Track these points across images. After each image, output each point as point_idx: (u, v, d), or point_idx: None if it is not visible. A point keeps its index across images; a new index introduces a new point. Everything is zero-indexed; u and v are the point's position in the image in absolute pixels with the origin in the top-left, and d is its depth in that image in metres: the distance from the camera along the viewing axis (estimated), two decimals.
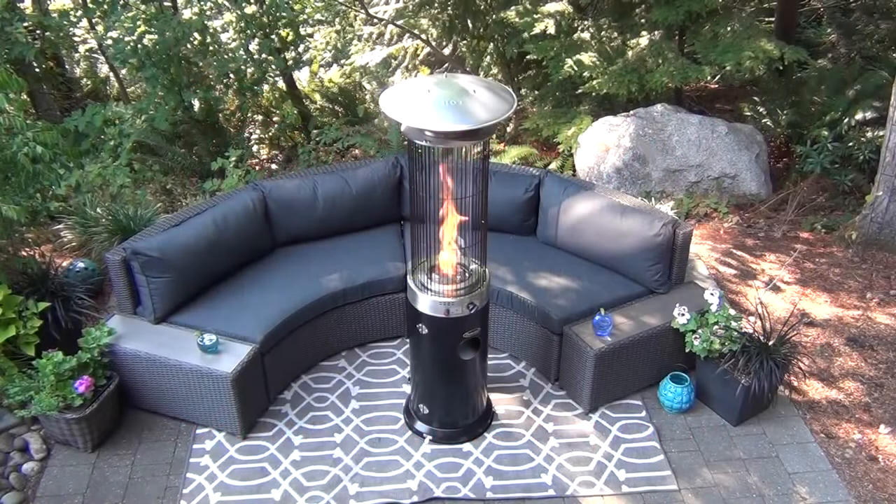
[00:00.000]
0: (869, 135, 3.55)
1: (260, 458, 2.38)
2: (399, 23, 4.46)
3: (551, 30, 3.81)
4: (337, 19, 4.65)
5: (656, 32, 3.77)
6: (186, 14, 3.80)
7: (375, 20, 4.59)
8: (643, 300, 2.69)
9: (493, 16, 4.20)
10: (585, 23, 3.85)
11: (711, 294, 2.56)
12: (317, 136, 4.09)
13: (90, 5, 3.55)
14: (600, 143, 3.79)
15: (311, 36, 4.60)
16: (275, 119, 4.62)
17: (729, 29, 3.49)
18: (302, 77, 4.93)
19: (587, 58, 3.76)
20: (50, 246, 3.07)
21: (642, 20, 3.86)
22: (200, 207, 2.73)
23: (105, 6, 3.46)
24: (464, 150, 1.99)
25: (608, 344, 2.49)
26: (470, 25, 4.31)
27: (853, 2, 4.16)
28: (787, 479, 2.25)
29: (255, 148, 4.52)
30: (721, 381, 2.48)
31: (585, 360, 2.49)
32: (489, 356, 2.54)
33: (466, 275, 2.22)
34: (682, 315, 2.54)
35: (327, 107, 4.81)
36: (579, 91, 3.89)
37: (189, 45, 3.63)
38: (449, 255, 2.20)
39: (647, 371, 2.62)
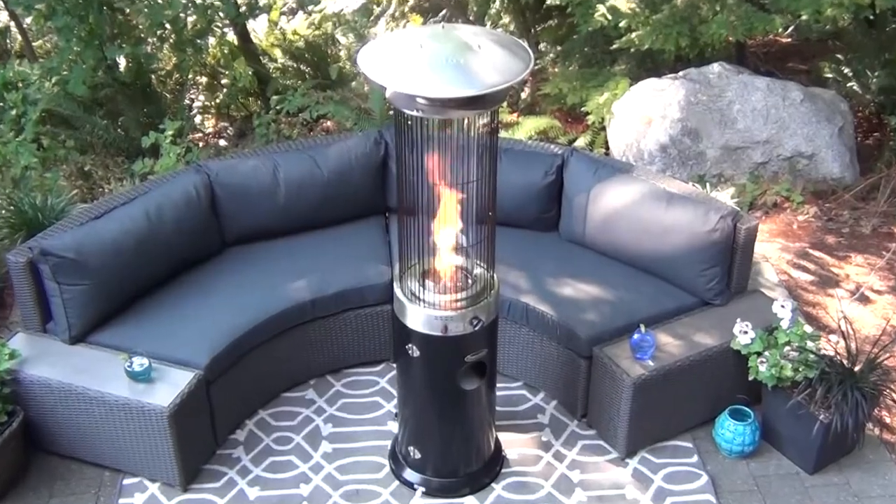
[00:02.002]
0: None
1: None
2: None
3: None
4: None
5: None
6: None
7: None
8: (695, 314, 2.71)
9: None
10: None
11: (782, 306, 2.56)
12: (277, 103, 4.05)
13: None
14: (641, 112, 3.79)
15: None
16: (223, 82, 4.57)
17: None
18: (258, 28, 4.85)
19: (624, 4, 3.70)
20: None
21: None
22: (128, 195, 2.73)
23: None
24: (466, 122, 1.98)
25: (650, 370, 2.51)
26: None
27: None
28: None
29: (198, 119, 4.46)
30: (794, 416, 2.46)
31: (621, 390, 2.50)
32: (498, 385, 2.51)
33: (469, 282, 2.24)
34: (745, 333, 2.54)
35: (291, 66, 4.74)
36: (614, 46, 3.86)
37: None
38: (447, 257, 2.24)
39: (699, 405, 2.63)
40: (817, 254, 3.28)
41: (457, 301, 2.17)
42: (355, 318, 2.80)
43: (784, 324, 2.54)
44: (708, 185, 3.58)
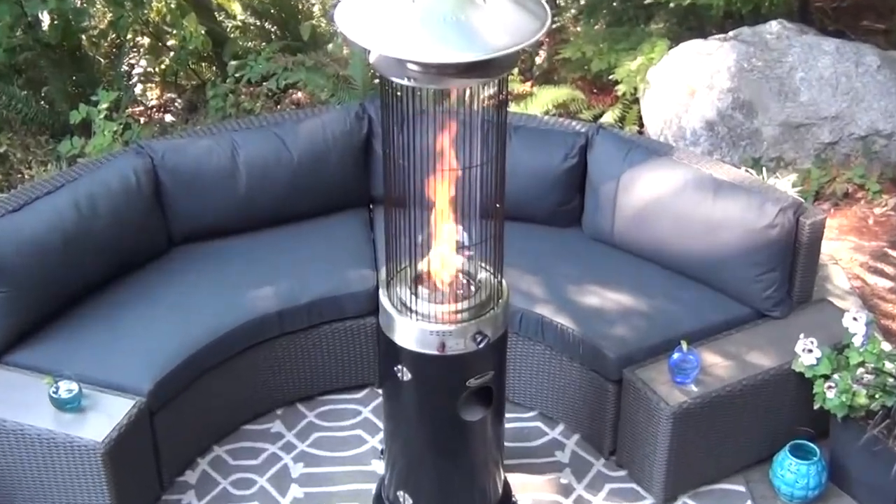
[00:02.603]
0: None
1: None
2: None
3: None
4: None
5: None
6: None
7: None
8: (748, 328, 2.70)
9: None
10: None
11: (855, 319, 2.54)
12: (236, 70, 4.03)
13: None
14: (682, 82, 3.77)
15: None
16: (170, 44, 4.49)
17: None
18: None
19: None
20: None
21: None
22: (53, 183, 2.72)
23: None
24: (468, 93, 1.97)
25: (693, 396, 2.50)
26: None
27: None
28: None
29: (138, 89, 4.40)
30: (868, 454, 2.44)
31: (658, 421, 2.50)
32: (508, 416, 2.49)
33: (472, 289, 2.23)
34: (809, 352, 2.52)
35: (253, 24, 4.67)
36: (649, 0, 3.88)
37: None
38: (445, 259, 2.24)
39: (753, 439, 2.62)
40: None
41: (457, 312, 2.16)
42: (332, 333, 2.81)
43: (857, 340, 2.52)
44: (764, 170, 3.56)
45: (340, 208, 3.06)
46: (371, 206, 3.16)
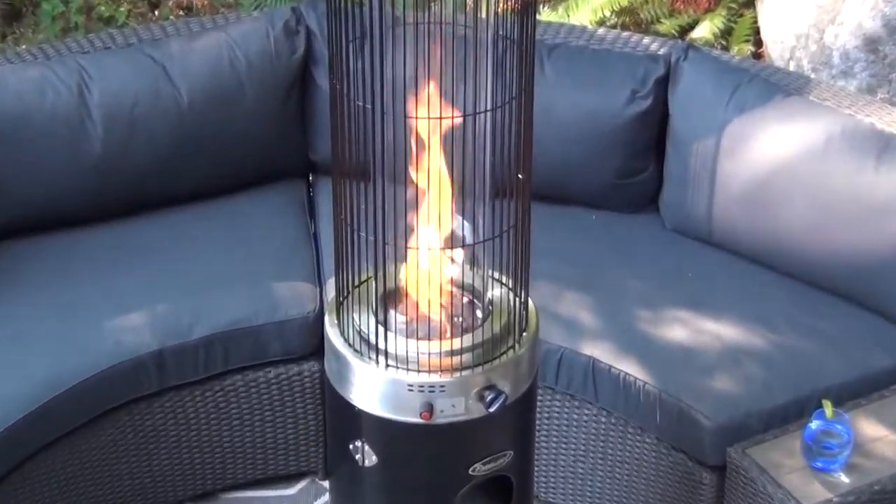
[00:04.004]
0: None
1: None
2: None
3: None
4: None
5: None
6: None
7: None
8: None
9: None
10: None
11: None
12: None
13: None
14: None
15: None
16: None
17: None
18: None
19: None
20: None
21: None
22: None
23: None
24: None
25: (843, 493, 2.50)
26: None
27: None
28: None
29: None
30: None
31: None
32: None
33: (478, 315, 2.25)
34: None
35: None
36: None
37: None
38: (434, 266, 2.24)
39: None
40: None
41: (453, 354, 2.15)
42: (247, 388, 2.85)
43: None
44: None
45: (260, 181, 3.13)
46: (311, 179, 3.21)
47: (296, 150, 3.18)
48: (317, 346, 2.82)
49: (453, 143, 2.08)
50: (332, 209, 2.16)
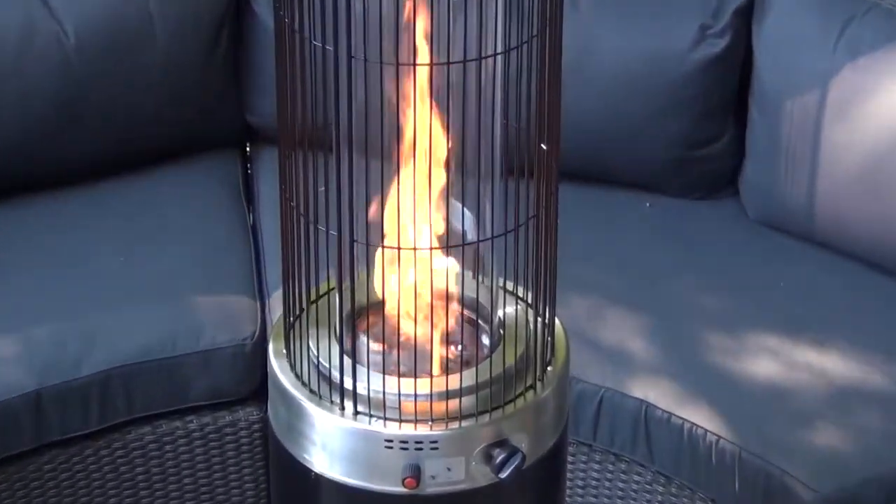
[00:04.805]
0: None
1: None
2: None
3: None
4: None
5: None
6: None
7: None
8: None
9: None
10: None
11: None
12: None
13: None
14: None
15: None
16: None
17: None
18: None
19: None
20: None
21: None
22: None
23: None
24: None
25: None
26: None
27: None
28: None
29: None
30: None
31: None
32: None
33: (482, 342, 2.26)
34: None
35: None
36: None
37: None
38: (421, 272, 2.21)
39: None
40: None
41: (448, 398, 2.14)
42: (161, 442, 2.86)
43: None
44: None
45: (177, 154, 3.20)
46: (248, 151, 3.25)
47: (227, 110, 3.22)
48: (257, 386, 2.85)
49: (449, 100, 2.06)
50: (279, 193, 2.13)
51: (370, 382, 2.11)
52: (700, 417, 2.71)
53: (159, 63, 3.09)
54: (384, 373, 2.11)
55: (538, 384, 2.17)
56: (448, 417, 2.10)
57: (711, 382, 2.77)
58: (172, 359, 2.84)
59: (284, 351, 2.19)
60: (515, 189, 2.09)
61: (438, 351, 2.16)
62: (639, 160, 3.08)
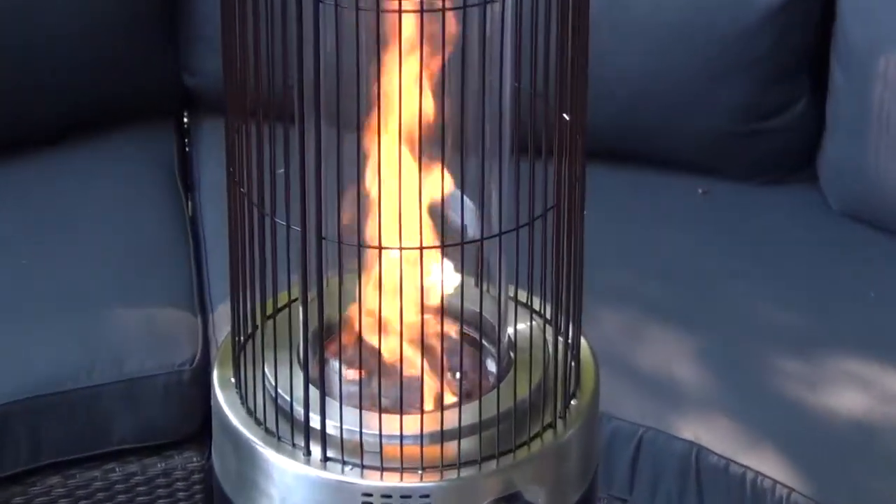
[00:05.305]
0: None
1: None
2: None
3: None
4: None
5: None
6: None
7: None
8: None
9: None
10: None
11: None
12: None
13: None
14: None
15: None
16: None
17: None
18: None
19: None
20: None
21: None
22: None
23: None
24: None
25: None
26: None
27: None
28: None
29: None
30: None
31: None
32: None
33: (487, 368, 2.26)
34: None
35: None
36: None
37: None
38: (409, 277, 2.21)
39: None
40: None
41: (444, 439, 2.13)
42: (74, 496, 2.92)
43: None
44: None
45: (96, 125, 3.26)
46: (186, 121, 3.27)
47: (159, 69, 3.26)
48: (198, 426, 2.87)
49: (444, 55, 2.08)
50: (226, 176, 2.14)
51: (343, 420, 2.11)
52: (767, 465, 2.72)
53: (72, 10, 3.12)
54: (361, 407, 2.10)
55: (559, 422, 2.16)
56: (443, 465, 2.10)
57: (781, 420, 2.78)
58: (88, 390, 2.86)
59: (233, 380, 2.18)
60: (529, 171, 2.09)
61: (431, 379, 2.16)
62: (689, 134, 3.07)
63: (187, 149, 3.26)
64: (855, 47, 3.01)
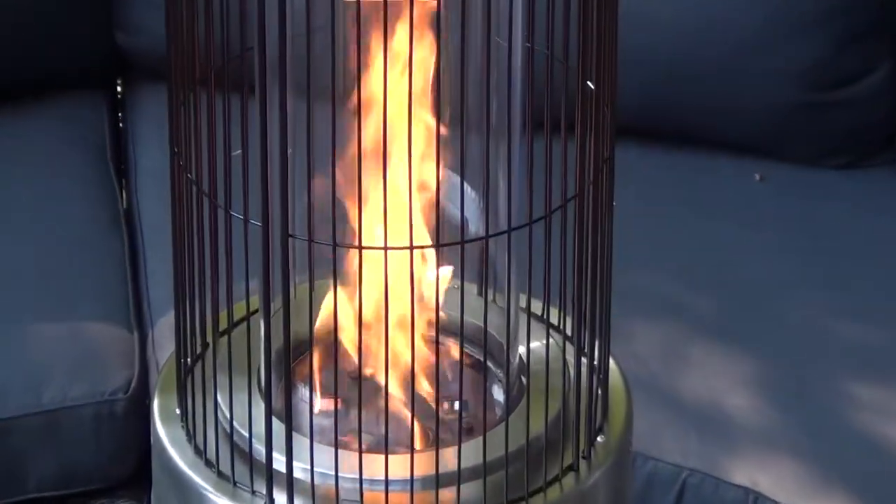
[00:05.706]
0: None
1: None
2: None
3: None
4: None
5: None
6: None
7: None
8: None
9: None
10: None
11: None
12: None
13: None
14: None
15: None
16: None
17: None
18: None
19: None
20: None
21: None
22: None
23: None
24: None
25: None
26: None
27: None
28: None
29: None
30: None
31: None
32: None
33: (493, 396, 2.26)
34: None
35: None
36: None
37: None
38: (398, 284, 2.20)
39: None
40: None
41: (439, 486, 2.12)
42: None
43: None
44: None
45: (15, 95, 3.33)
46: (120, 91, 3.29)
47: (86, 27, 3.27)
48: (134, 468, 2.85)
49: (440, 6, 2.09)
50: (169, 158, 2.15)
51: (314, 461, 2.12)
52: None
53: None
54: (337, 446, 2.11)
55: (582, 464, 2.15)
56: None
57: (853, 460, 2.81)
58: (1, 423, 2.85)
59: (178, 411, 2.17)
60: (545, 154, 2.10)
61: (423, 411, 2.17)
62: (742, 108, 3.08)
63: (121, 124, 3.26)
64: None
